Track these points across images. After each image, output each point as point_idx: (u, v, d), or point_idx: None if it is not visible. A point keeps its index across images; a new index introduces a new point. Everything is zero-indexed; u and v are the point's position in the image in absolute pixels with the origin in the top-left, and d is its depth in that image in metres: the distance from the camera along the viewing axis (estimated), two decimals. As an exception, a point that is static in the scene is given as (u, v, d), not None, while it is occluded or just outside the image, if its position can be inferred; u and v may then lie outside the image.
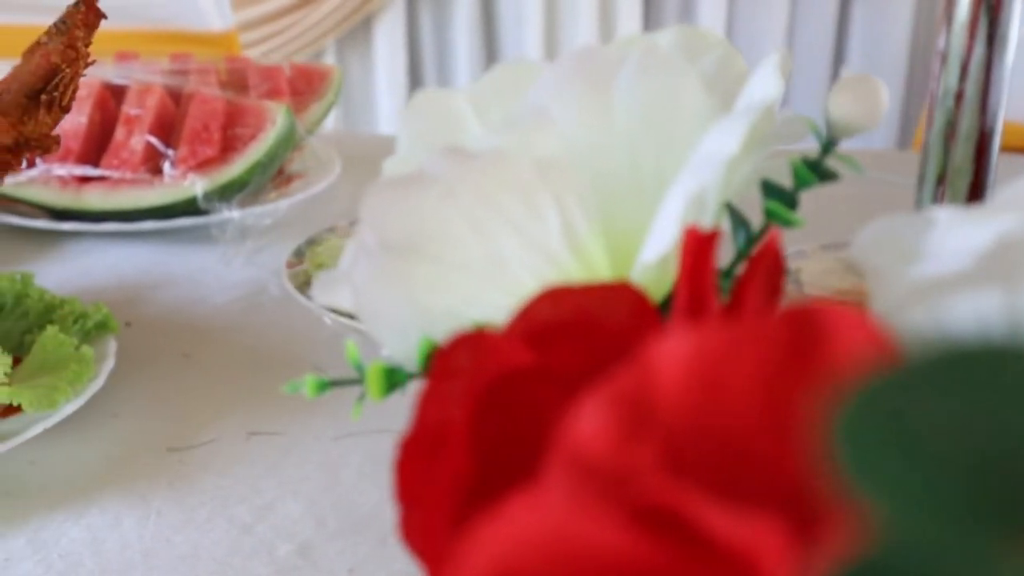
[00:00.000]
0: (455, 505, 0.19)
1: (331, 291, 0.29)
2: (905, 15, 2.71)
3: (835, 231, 0.77)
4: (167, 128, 0.93)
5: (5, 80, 0.70)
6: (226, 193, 0.90)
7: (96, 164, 0.92)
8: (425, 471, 0.20)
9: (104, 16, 0.53)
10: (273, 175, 0.96)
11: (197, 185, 0.89)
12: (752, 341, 0.16)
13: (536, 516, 0.14)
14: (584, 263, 0.28)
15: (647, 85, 0.28)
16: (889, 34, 2.75)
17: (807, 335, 0.16)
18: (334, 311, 0.69)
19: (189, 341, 0.77)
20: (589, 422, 0.16)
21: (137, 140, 0.91)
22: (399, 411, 0.68)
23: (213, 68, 1.02)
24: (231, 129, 0.92)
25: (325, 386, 0.29)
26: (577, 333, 0.21)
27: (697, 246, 0.23)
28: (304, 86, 1.04)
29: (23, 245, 0.94)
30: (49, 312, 0.71)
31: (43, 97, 0.53)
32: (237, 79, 1.02)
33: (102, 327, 0.71)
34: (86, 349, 0.65)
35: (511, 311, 0.29)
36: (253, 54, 2.43)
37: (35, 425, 0.60)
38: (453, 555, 0.18)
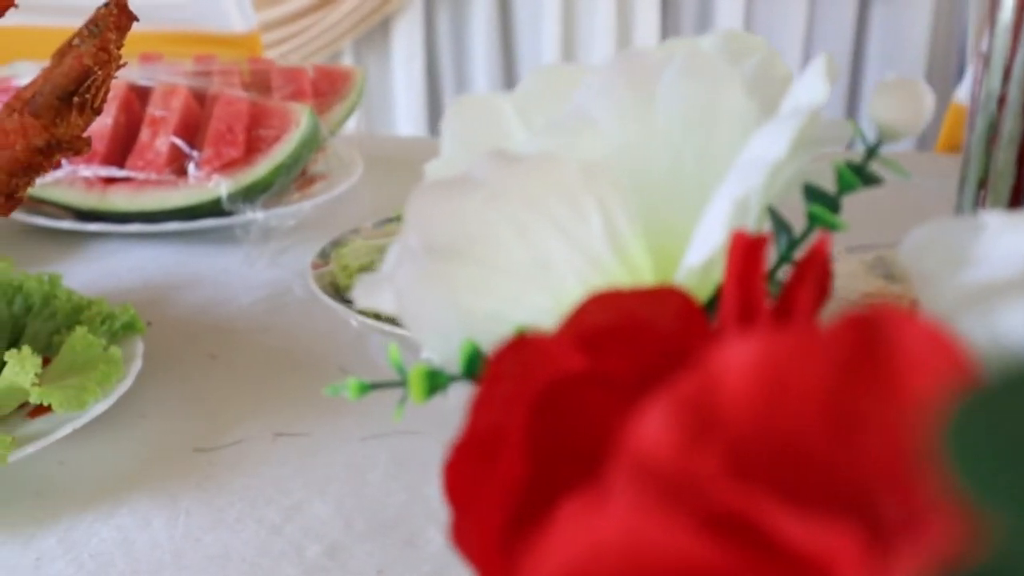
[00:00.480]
0: (509, 511, 0.19)
1: (373, 294, 0.29)
2: (924, 16, 2.70)
3: (859, 234, 0.77)
4: (192, 129, 0.94)
5: (36, 82, 0.71)
6: (250, 194, 0.90)
7: (121, 165, 0.92)
8: (478, 476, 0.20)
9: (136, 19, 0.54)
10: (296, 176, 0.96)
11: (221, 186, 0.90)
12: (818, 346, 0.15)
13: (604, 523, 0.14)
14: (627, 265, 0.28)
15: (690, 88, 0.28)
16: (908, 35, 2.73)
17: (873, 340, 0.16)
18: (361, 313, 0.70)
19: (215, 342, 0.77)
20: (653, 428, 0.16)
21: (162, 141, 0.91)
22: (425, 413, 0.68)
23: (236, 70, 1.03)
24: (255, 130, 0.92)
25: (366, 388, 0.29)
26: (628, 338, 0.21)
27: (746, 250, 0.22)
28: (327, 87, 1.04)
29: (49, 246, 0.94)
30: (77, 313, 0.72)
31: (75, 99, 0.53)
32: (260, 81, 1.02)
33: (129, 328, 0.71)
34: (114, 350, 0.66)
35: (555, 314, 0.29)
36: (271, 56, 2.43)
37: (64, 426, 0.60)
38: (518, 563, 0.18)
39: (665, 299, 0.23)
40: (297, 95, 1.02)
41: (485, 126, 0.28)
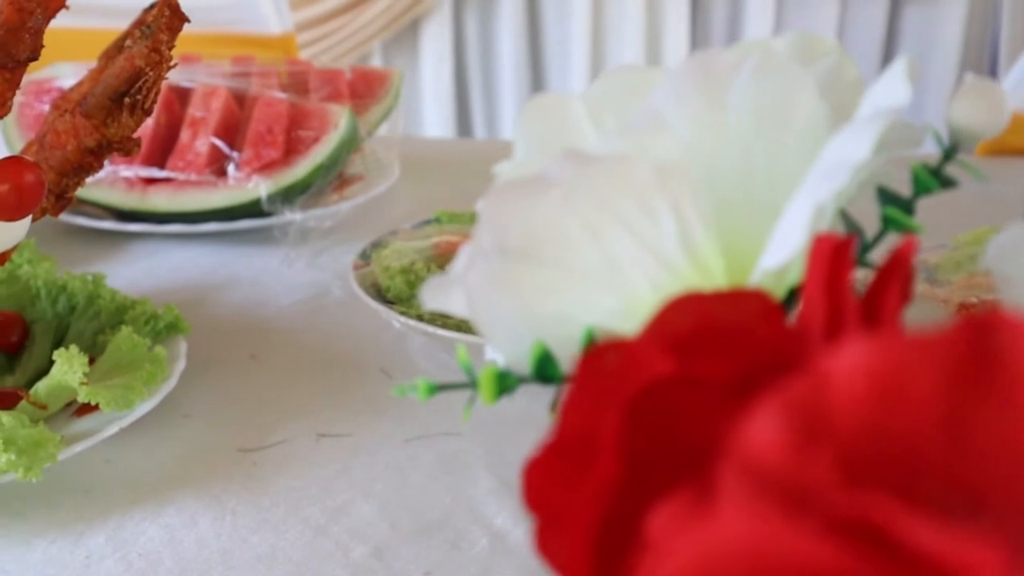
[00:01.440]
0: (603, 516, 0.19)
1: (441, 295, 0.29)
2: (956, 18, 2.67)
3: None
4: (231, 130, 0.94)
5: (83, 83, 0.71)
6: (289, 195, 0.91)
7: (162, 166, 0.93)
8: (568, 481, 0.20)
9: (187, 20, 0.54)
10: (333, 177, 0.96)
11: (261, 187, 0.90)
12: (931, 351, 0.15)
13: (717, 530, 0.14)
14: (698, 267, 0.28)
15: (763, 89, 0.28)
16: (940, 37, 2.71)
17: (986, 345, 0.15)
18: (403, 314, 0.70)
19: (255, 343, 0.78)
20: (763, 431, 0.15)
21: (202, 142, 0.92)
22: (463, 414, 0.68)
23: (274, 71, 1.03)
24: (295, 132, 0.92)
25: (434, 389, 0.29)
26: (716, 341, 0.21)
27: (833, 254, 0.22)
28: (364, 89, 1.05)
29: (89, 246, 0.95)
30: (121, 313, 0.72)
31: (126, 100, 0.54)
32: (298, 82, 1.03)
33: (173, 328, 0.71)
34: (160, 350, 0.66)
35: (624, 316, 0.28)
36: (301, 57, 2.44)
37: (111, 425, 0.60)
38: (614, 570, 0.18)
39: (747, 302, 0.23)
40: (334, 96, 1.03)
41: (557, 126, 0.28)
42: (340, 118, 0.92)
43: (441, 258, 0.75)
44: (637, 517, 0.19)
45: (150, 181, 0.93)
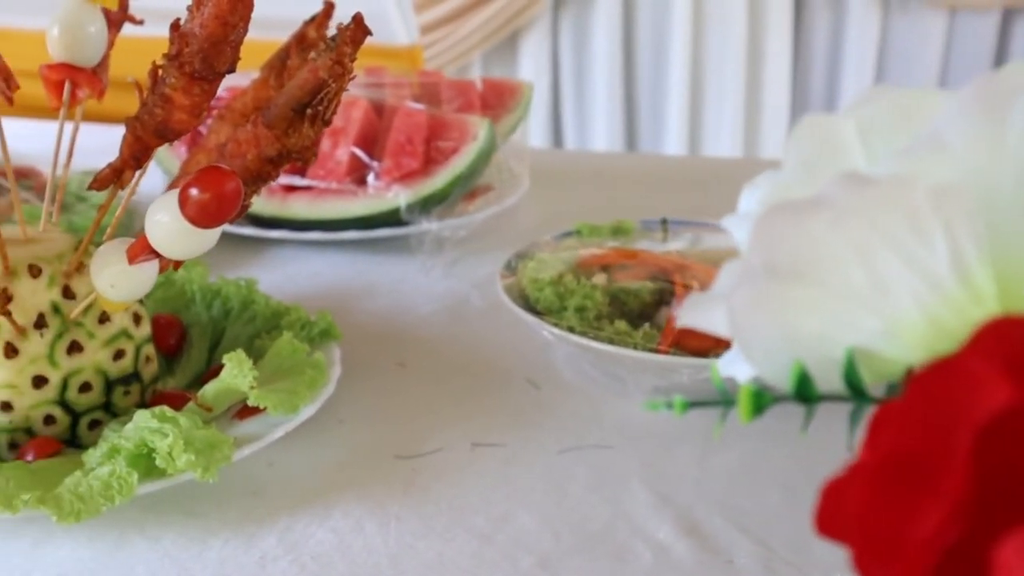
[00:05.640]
0: (948, 543, 0.19)
1: (700, 312, 0.29)
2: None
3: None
4: (370, 140, 0.96)
5: (245, 94, 0.73)
6: (428, 205, 0.92)
7: (303, 174, 0.95)
8: (899, 505, 0.20)
9: (370, 33, 0.55)
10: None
11: (400, 197, 0.91)
12: None
13: None
14: (971, 292, 0.27)
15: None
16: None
17: None
18: (555, 325, 0.70)
19: (401, 350, 0.78)
20: None
21: (342, 151, 0.93)
22: (617, 428, 0.68)
23: (407, 82, 1.05)
24: (433, 142, 0.93)
25: (686, 406, 0.29)
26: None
27: None
28: (495, 100, 1.05)
29: (231, 251, 0.97)
30: (276, 318, 0.73)
31: (307, 111, 0.55)
32: (430, 93, 1.04)
33: (326, 334, 0.73)
34: (319, 355, 0.67)
35: (887, 338, 0.28)
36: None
37: (276, 428, 0.62)
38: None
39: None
40: (466, 107, 1.04)
41: (825, 147, 0.28)
42: (479, 129, 0.93)
43: (586, 270, 0.75)
44: (983, 546, 0.19)
45: (290, 189, 0.95)
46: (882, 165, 0.27)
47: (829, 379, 0.29)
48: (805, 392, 0.28)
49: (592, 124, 2.90)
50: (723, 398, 0.29)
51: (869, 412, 0.29)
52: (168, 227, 0.51)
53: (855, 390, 0.28)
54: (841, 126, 0.28)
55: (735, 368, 0.31)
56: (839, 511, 0.22)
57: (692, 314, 0.29)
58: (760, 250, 0.27)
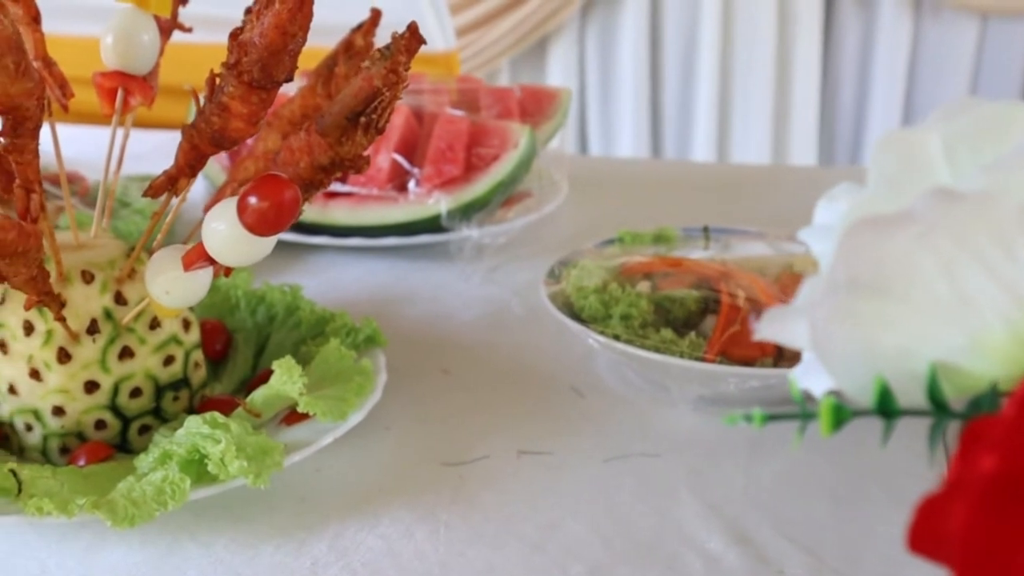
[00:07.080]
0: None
1: (780, 326, 0.29)
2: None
3: None
4: (411, 146, 0.96)
5: (292, 101, 0.73)
6: (468, 212, 0.92)
7: (343, 180, 0.95)
8: (1014, 526, 0.20)
9: (424, 42, 0.55)
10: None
11: (441, 203, 0.91)
12: None
13: None
14: (1056, 308, 0.27)
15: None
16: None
17: None
18: (601, 334, 0.70)
19: (445, 357, 0.79)
20: None
21: (383, 158, 0.94)
22: (662, 437, 0.68)
23: (445, 88, 1.05)
24: (474, 149, 0.93)
25: (765, 419, 0.29)
26: None
27: None
28: (533, 107, 1.06)
29: (271, 257, 0.96)
30: (321, 325, 0.74)
31: (361, 119, 0.55)
32: (468, 99, 1.04)
33: (371, 341, 0.73)
34: (366, 362, 0.67)
35: (969, 353, 0.28)
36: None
37: (325, 435, 0.62)
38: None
39: None
40: (504, 114, 1.04)
41: (910, 161, 0.28)
42: (520, 136, 0.93)
43: (630, 278, 0.75)
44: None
45: (331, 195, 0.96)
46: (969, 180, 0.27)
47: (909, 393, 0.29)
48: (886, 406, 0.28)
49: (618, 130, 2.90)
50: (803, 411, 0.29)
51: (950, 427, 0.29)
52: (225, 235, 0.51)
53: (938, 405, 0.28)
54: (926, 140, 0.28)
55: (811, 380, 0.31)
56: (936, 529, 0.22)
57: (772, 327, 0.29)
58: (845, 264, 0.27)
